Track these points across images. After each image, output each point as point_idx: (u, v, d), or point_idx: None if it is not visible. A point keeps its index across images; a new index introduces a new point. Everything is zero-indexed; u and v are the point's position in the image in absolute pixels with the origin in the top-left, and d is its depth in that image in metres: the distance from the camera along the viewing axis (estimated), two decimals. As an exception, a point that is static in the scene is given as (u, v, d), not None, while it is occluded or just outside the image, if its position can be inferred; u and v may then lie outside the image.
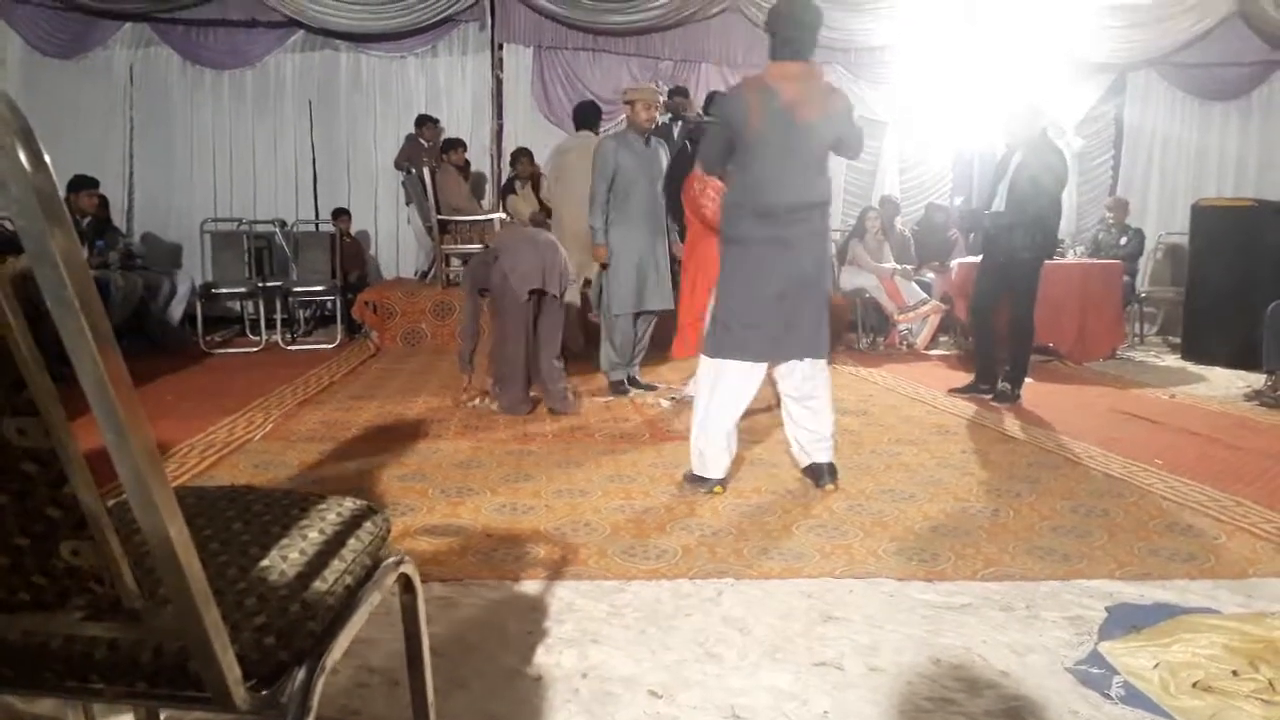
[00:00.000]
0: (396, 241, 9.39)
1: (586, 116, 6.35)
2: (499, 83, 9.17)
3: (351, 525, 1.26)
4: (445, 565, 2.70)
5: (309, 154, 9.09)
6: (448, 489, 3.49)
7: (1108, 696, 1.98)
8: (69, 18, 8.48)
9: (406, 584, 1.35)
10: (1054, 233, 5.54)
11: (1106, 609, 2.45)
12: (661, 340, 5.75)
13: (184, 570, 0.81)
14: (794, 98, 3.27)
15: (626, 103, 5.31)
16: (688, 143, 6.03)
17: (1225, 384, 6.27)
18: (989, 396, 5.43)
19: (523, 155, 8.34)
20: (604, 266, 5.27)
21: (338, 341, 7.51)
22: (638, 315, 5.36)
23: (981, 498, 3.46)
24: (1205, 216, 7.47)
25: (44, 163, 0.64)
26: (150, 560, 0.81)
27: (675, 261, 5.57)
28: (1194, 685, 1.98)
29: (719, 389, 3.40)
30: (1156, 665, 2.07)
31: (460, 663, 2.09)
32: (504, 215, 7.75)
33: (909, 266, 8.05)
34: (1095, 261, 7.71)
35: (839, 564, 2.76)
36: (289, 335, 7.83)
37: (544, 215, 7.97)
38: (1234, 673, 2.01)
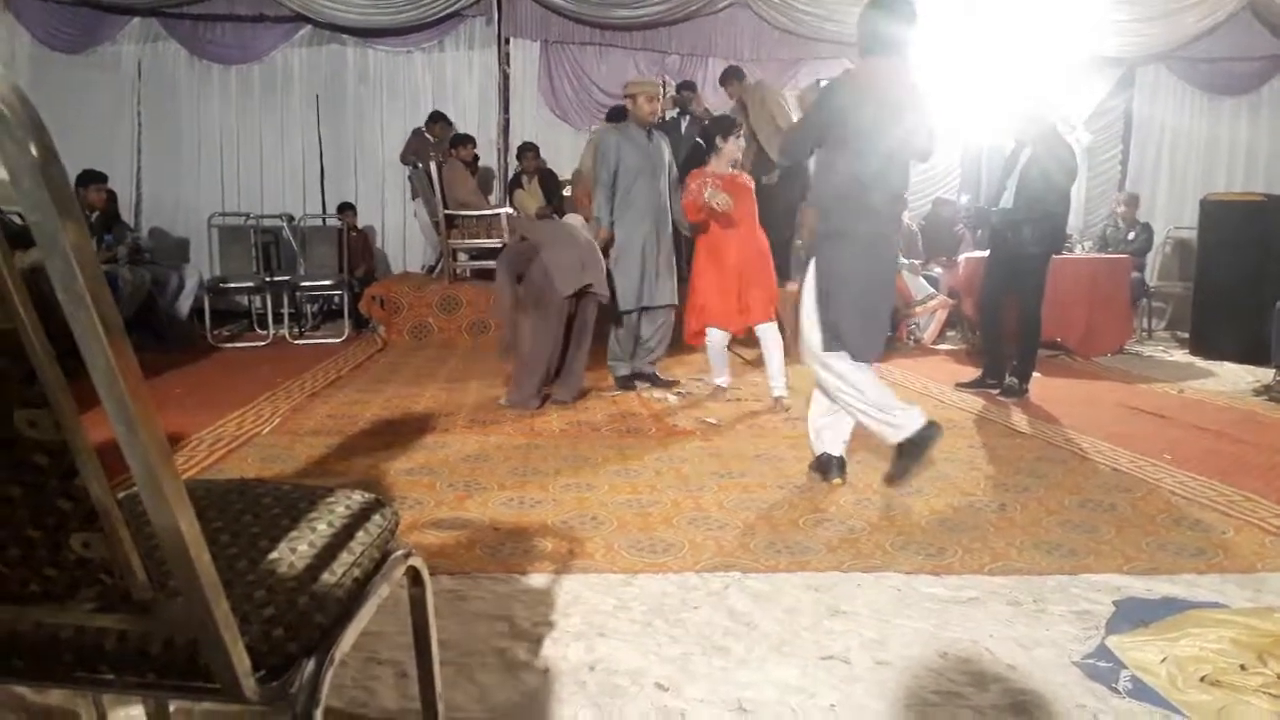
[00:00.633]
0: (403, 236, 9.40)
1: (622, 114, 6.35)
2: (506, 77, 9.16)
3: (360, 518, 1.26)
4: (453, 559, 2.70)
5: (316, 148, 9.11)
6: (455, 483, 3.49)
7: (1115, 690, 1.98)
8: (77, 13, 8.50)
9: (415, 577, 1.35)
10: (1062, 228, 5.53)
11: (1114, 603, 2.44)
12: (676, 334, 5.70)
13: (194, 562, 0.82)
14: (895, 93, 3.26)
15: (628, 96, 5.28)
16: (699, 140, 5.97)
17: (1234, 379, 6.24)
18: (996, 391, 5.43)
19: (528, 150, 8.33)
20: (605, 252, 5.23)
21: (345, 336, 7.52)
22: (642, 311, 5.33)
23: (989, 492, 3.45)
24: (1214, 211, 7.44)
25: (55, 156, 0.64)
26: (160, 552, 0.81)
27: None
28: (1202, 680, 1.98)
29: (851, 378, 3.33)
30: (1164, 660, 2.07)
31: (468, 655, 2.10)
32: (510, 210, 7.75)
33: (916, 261, 8.02)
34: (1103, 256, 7.69)
35: (846, 558, 2.76)
36: (296, 330, 7.84)
37: (549, 210, 7.97)
38: (1242, 667, 2.01)
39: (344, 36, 8.95)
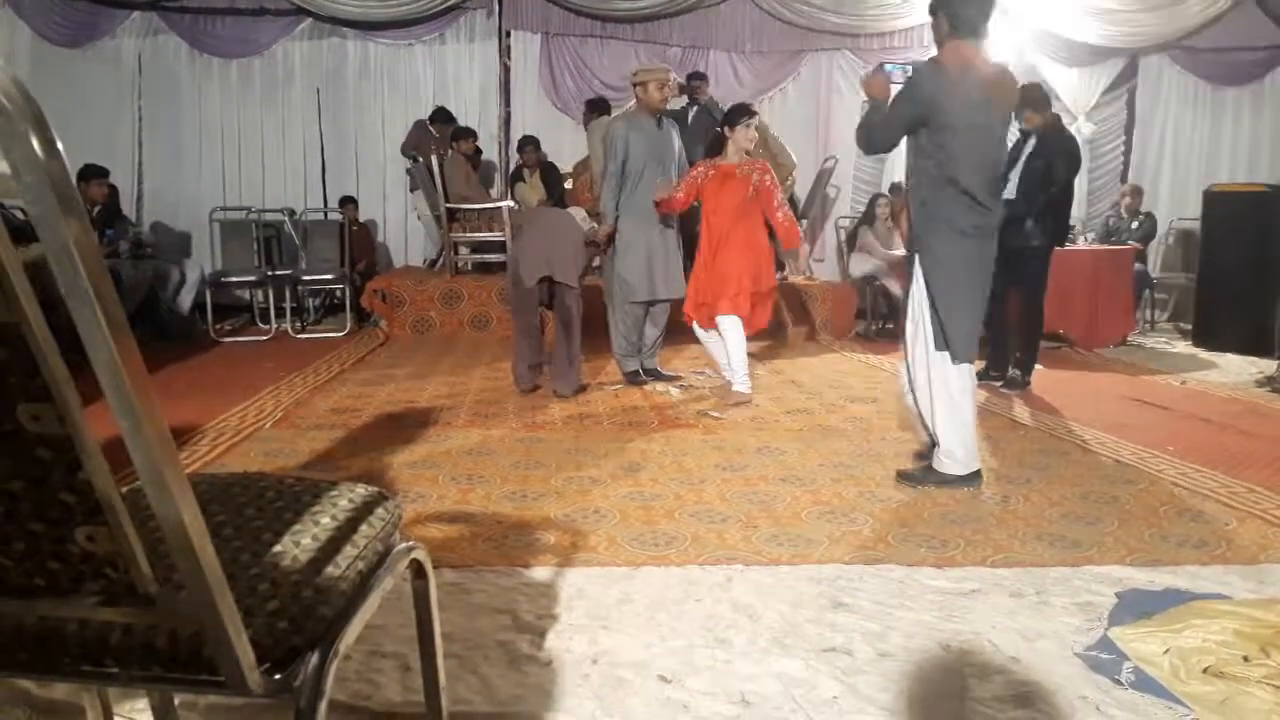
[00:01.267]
0: (405, 230, 9.39)
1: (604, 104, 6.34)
2: (506, 70, 9.14)
3: (363, 511, 1.26)
4: (456, 552, 2.71)
5: (317, 142, 9.10)
6: (458, 476, 3.50)
7: (1118, 682, 1.98)
8: (77, 6, 8.48)
9: (418, 570, 1.36)
10: (1065, 220, 5.51)
11: (1117, 595, 2.44)
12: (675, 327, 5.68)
13: (198, 556, 0.82)
14: (985, 77, 3.19)
15: (637, 84, 5.15)
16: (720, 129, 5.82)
17: (1237, 370, 6.24)
18: (999, 384, 5.42)
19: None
20: (604, 249, 5.21)
21: (347, 330, 7.52)
22: (648, 305, 5.29)
23: (991, 484, 3.45)
24: (1217, 202, 7.42)
25: (57, 150, 0.64)
26: (164, 546, 0.81)
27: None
28: (1204, 671, 1.98)
29: (955, 390, 3.29)
30: (1167, 651, 2.07)
31: (471, 648, 2.10)
32: (512, 203, 7.74)
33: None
34: (1106, 248, 7.67)
35: (848, 550, 2.76)
36: (298, 324, 7.85)
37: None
38: (1245, 658, 2.01)
39: (345, 30, 8.93)
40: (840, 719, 1.84)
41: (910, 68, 3.37)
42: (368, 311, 7.60)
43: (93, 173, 6.82)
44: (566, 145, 8.99)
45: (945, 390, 3.30)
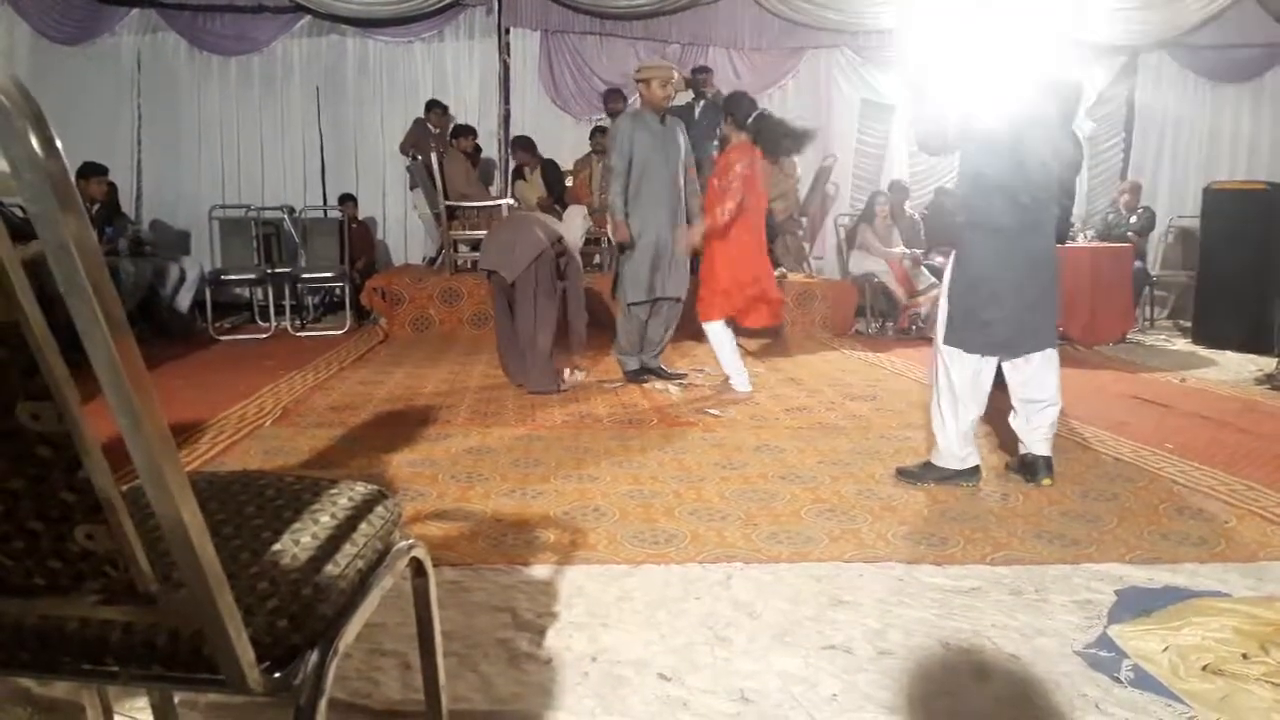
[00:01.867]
0: (404, 227, 9.39)
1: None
2: (506, 67, 9.14)
3: (363, 509, 1.26)
4: (456, 550, 2.71)
5: (316, 140, 9.11)
6: (457, 474, 3.50)
7: (1117, 680, 1.98)
8: (76, 4, 8.48)
9: (418, 568, 1.36)
10: (1066, 218, 5.50)
11: (1116, 593, 2.44)
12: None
13: (198, 554, 0.82)
14: (1039, 79, 3.18)
15: (641, 80, 5.07)
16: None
17: (1236, 368, 6.24)
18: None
19: (519, 145, 8.34)
20: (622, 249, 5.16)
21: (347, 328, 7.52)
22: (654, 303, 5.23)
23: (990, 482, 3.45)
24: (1217, 199, 7.42)
25: (56, 148, 0.64)
26: (164, 544, 0.81)
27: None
28: (1204, 668, 1.98)
29: (959, 381, 3.29)
30: (1166, 649, 2.07)
31: (471, 646, 2.10)
32: (512, 201, 7.74)
33: (918, 251, 8.01)
34: (1106, 245, 7.67)
35: (848, 548, 2.76)
36: (298, 321, 7.85)
37: (551, 201, 7.96)
38: (1244, 656, 2.01)
39: (344, 27, 8.93)
40: (840, 716, 1.84)
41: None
42: (367, 309, 7.60)
43: (92, 170, 6.82)
44: (566, 143, 9.00)
45: (948, 382, 3.30)
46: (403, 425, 4.27)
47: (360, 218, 8.77)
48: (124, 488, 0.81)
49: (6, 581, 0.86)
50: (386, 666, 2.00)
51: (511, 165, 8.77)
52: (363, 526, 1.22)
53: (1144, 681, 1.97)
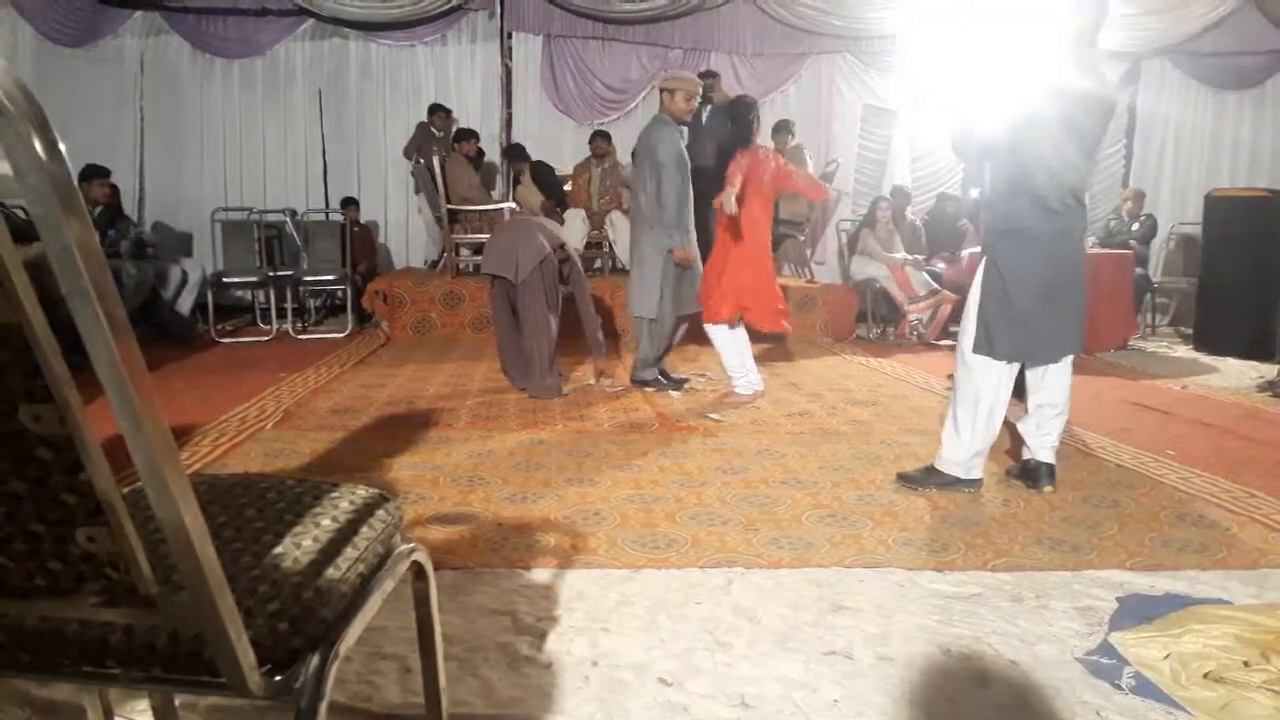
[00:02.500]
0: (406, 231, 9.40)
1: None
2: (508, 72, 9.16)
3: (364, 513, 1.26)
4: (456, 553, 2.71)
5: (319, 143, 9.12)
6: (458, 478, 3.50)
7: (1118, 687, 1.98)
8: (79, 6, 8.49)
9: (419, 571, 1.36)
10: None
11: (1117, 599, 2.44)
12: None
13: (199, 557, 0.82)
14: (1084, 87, 3.14)
15: (666, 90, 4.98)
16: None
17: (1238, 375, 6.23)
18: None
19: (512, 153, 8.37)
20: (684, 268, 5.05)
21: (348, 331, 7.52)
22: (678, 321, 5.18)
23: (991, 488, 3.45)
24: (1219, 206, 7.42)
25: (59, 151, 0.64)
26: (165, 547, 0.81)
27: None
28: (1205, 676, 1.98)
29: (983, 390, 3.28)
30: (1167, 656, 2.07)
31: (472, 650, 2.10)
32: (514, 205, 7.75)
33: (920, 257, 8.01)
34: (1107, 251, 7.67)
35: (849, 554, 2.76)
36: (299, 324, 7.85)
37: (553, 205, 7.97)
38: (1245, 664, 2.01)
39: (346, 31, 8.95)
40: (840, 722, 1.84)
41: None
42: (369, 312, 7.61)
43: (94, 173, 6.83)
44: (567, 147, 9.01)
45: (972, 390, 3.29)
46: (404, 429, 4.27)
47: (362, 221, 8.78)
48: (125, 490, 0.81)
49: (7, 583, 0.85)
50: (386, 670, 2.00)
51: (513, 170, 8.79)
52: (364, 530, 1.22)
53: (1145, 689, 1.97)
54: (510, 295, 4.97)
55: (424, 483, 3.43)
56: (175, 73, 8.85)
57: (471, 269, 8.17)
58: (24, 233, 0.79)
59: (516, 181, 8.41)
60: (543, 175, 8.22)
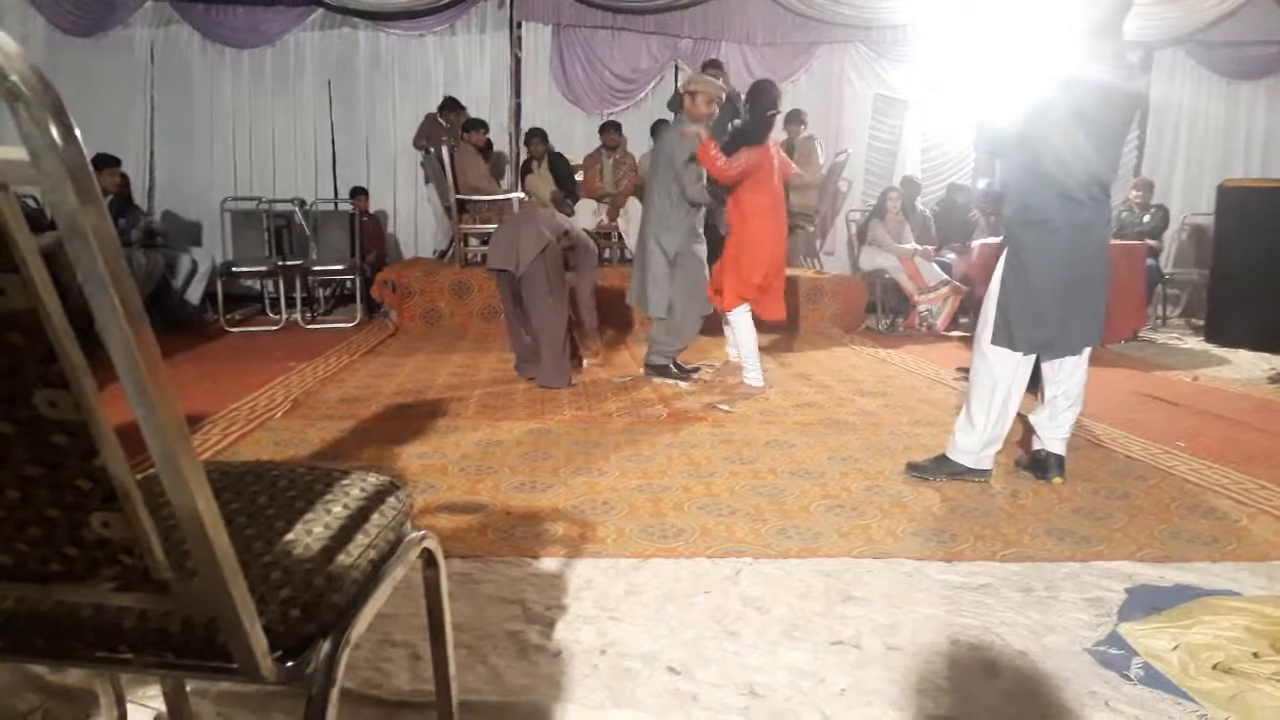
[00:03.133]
0: (415, 221, 9.41)
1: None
2: (517, 61, 9.14)
3: (375, 500, 1.27)
4: (465, 542, 2.72)
5: (328, 133, 9.13)
6: (467, 467, 3.51)
7: (1127, 677, 1.98)
8: (90, -4, 8.51)
9: (429, 559, 1.36)
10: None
11: (1126, 591, 2.44)
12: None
13: (212, 543, 0.82)
14: (1111, 79, 3.11)
15: (688, 92, 5.03)
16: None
17: (1249, 366, 6.21)
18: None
19: (535, 136, 8.33)
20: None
21: (357, 320, 7.54)
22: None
23: (1000, 479, 3.44)
24: (1231, 197, 7.38)
25: (75, 137, 0.64)
26: (179, 533, 0.82)
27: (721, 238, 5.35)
28: (1214, 667, 1.97)
29: (1000, 381, 3.28)
30: (1176, 647, 2.07)
31: (481, 638, 2.11)
32: (523, 195, 7.74)
33: (929, 247, 7.99)
34: (1118, 242, 7.62)
35: (857, 544, 2.76)
36: (309, 314, 7.86)
37: (563, 194, 7.96)
38: (1255, 655, 2.01)
39: (356, 20, 8.94)
40: (848, 712, 1.84)
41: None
42: (377, 302, 7.61)
43: (105, 162, 6.84)
44: (578, 137, 9.01)
45: (989, 381, 3.28)
46: (413, 418, 4.28)
47: (371, 211, 8.78)
48: (139, 476, 0.81)
49: (23, 567, 0.86)
50: (396, 657, 2.01)
51: (522, 159, 8.78)
52: (375, 517, 1.23)
53: (1154, 679, 1.97)
54: (514, 287, 4.97)
55: (432, 472, 3.44)
56: (185, 63, 8.86)
57: (480, 259, 8.17)
58: (33, 221, 0.79)
59: (527, 169, 8.40)
60: (556, 166, 8.21)
